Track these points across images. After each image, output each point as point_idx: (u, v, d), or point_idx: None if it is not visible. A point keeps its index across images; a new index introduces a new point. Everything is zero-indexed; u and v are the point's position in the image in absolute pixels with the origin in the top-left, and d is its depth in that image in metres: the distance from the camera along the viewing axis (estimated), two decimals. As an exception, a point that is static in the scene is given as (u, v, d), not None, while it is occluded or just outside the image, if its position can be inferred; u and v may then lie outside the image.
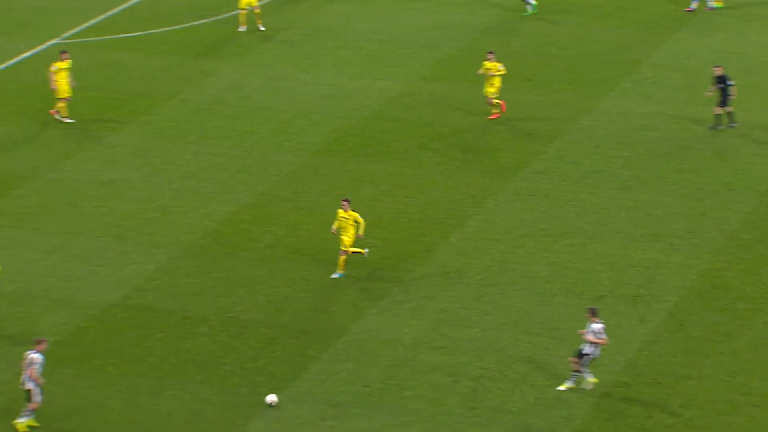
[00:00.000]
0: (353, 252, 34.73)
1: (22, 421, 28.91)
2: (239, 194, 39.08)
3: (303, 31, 49.64)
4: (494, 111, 42.48)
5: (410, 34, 48.96)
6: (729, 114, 41.88)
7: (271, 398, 30.18)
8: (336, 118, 43.50)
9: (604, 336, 30.41)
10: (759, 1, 50.97)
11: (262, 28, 48.53)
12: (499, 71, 42.11)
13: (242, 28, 48.49)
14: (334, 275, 34.63)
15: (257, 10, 48.49)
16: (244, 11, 48.43)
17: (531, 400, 30.57)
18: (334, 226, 34.70)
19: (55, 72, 41.54)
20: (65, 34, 48.67)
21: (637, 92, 44.90)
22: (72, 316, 33.15)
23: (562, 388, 30.66)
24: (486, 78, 42.22)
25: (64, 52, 42.05)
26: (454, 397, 30.65)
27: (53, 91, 41.62)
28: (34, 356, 28.76)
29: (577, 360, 30.50)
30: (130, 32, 49.15)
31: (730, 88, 41.26)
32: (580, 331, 30.62)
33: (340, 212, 34.73)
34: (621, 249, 36.26)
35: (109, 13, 50.66)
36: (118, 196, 38.79)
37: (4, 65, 46.23)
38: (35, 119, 42.60)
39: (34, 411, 28.94)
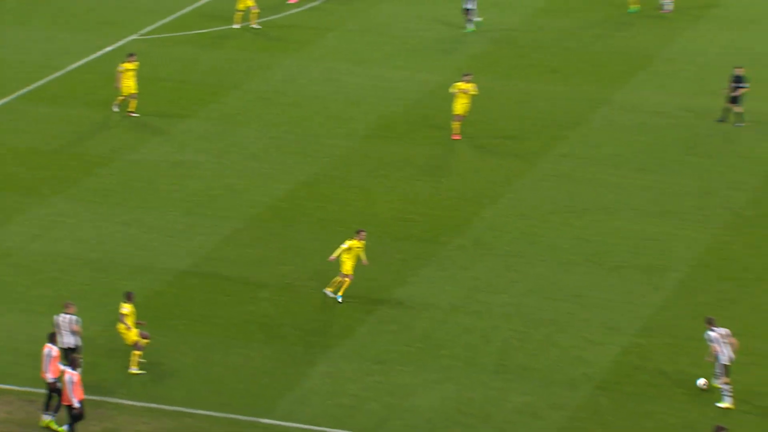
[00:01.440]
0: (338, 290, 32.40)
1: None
2: (296, 174, 39.05)
3: (354, 28, 49.46)
4: (456, 132, 39.85)
5: (449, 32, 48.73)
6: (738, 114, 41.31)
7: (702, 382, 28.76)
8: (382, 106, 43.37)
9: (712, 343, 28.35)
10: (761, 2, 50.50)
11: (257, 26, 47.85)
12: (472, 92, 39.68)
13: (236, 26, 47.96)
14: (338, 299, 32.22)
15: (255, 10, 47.81)
16: (242, 12, 47.87)
17: (554, 358, 30.53)
18: (336, 255, 32.21)
19: (122, 72, 41.53)
20: (142, 30, 48.82)
21: (652, 84, 44.64)
22: (149, 282, 33.33)
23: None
24: (457, 97, 39.79)
25: (131, 54, 42.05)
26: (485, 357, 30.63)
27: (117, 89, 41.62)
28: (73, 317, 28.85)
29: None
30: (201, 29, 49.21)
31: (742, 89, 40.70)
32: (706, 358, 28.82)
33: (355, 242, 32.12)
34: (637, 224, 36.13)
35: (181, 12, 50.61)
36: (188, 175, 38.86)
37: (88, 58, 46.44)
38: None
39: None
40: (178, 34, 48.75)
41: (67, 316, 29.05)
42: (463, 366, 30.27)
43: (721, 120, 41.45)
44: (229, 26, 48.83)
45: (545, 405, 29.04)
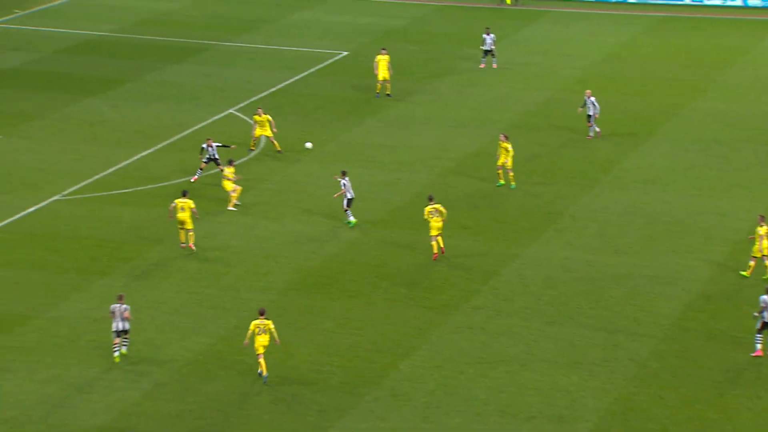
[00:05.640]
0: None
1: None
2: (215, 328, 38.26)
3: (271, 186, 49.31)
4: None
5: (365, 188, 48.41)
6: None
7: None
8: (299, 260, 42.95)
9: None
10: (656, 165, 51.28)
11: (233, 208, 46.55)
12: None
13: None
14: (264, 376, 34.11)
15: (234, 194, 46.47)
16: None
17: None
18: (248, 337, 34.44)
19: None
20: (66, 191, 48.14)
21: (558, 239, 44.64)
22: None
23: None
24: None
25: None
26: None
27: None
28: None
29: None
30: (123, 189, 48.67)
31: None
32: None
33: (257, 323, 34.68)
34: (548, 375, 35.62)
35: (102, 173, 50.25)
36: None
37: (10, 219, 45.60)
38: (35, 265, 41.56)
39: None
40: (100, 194, 48.12)
41: None
42: None
43: None
44: (146, 186, 48.31)
45: None
